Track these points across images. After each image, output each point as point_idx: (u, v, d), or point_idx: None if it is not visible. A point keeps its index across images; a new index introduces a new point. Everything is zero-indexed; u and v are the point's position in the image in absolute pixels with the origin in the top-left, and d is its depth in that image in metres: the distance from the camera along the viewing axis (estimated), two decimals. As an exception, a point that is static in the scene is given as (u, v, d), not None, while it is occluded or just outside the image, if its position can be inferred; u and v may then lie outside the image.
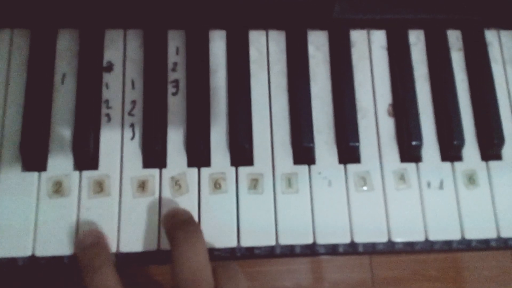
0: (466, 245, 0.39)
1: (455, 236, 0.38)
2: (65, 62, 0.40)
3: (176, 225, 0.34)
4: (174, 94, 0.40)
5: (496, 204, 0.39)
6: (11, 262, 0.36)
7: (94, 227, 0.36)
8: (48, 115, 0.38)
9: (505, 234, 0.38)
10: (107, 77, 0.40)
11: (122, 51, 0.40)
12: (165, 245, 0.36)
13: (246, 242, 0.37)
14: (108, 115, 0.39)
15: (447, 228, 0.38)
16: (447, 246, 0.39)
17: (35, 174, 0.37)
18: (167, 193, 0.37)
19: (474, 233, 0.38)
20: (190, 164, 0.38)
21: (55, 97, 0.39)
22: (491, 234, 0.39)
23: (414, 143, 0.39)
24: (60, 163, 0.37)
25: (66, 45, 0.40)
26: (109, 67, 0.40)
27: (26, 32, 0.40)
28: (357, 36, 0.43)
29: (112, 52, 0.40)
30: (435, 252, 0.39)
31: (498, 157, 0.40)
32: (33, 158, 0.37)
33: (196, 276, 0.31)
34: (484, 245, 0.40)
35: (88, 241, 0.34)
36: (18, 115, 0.38)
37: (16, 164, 0.37)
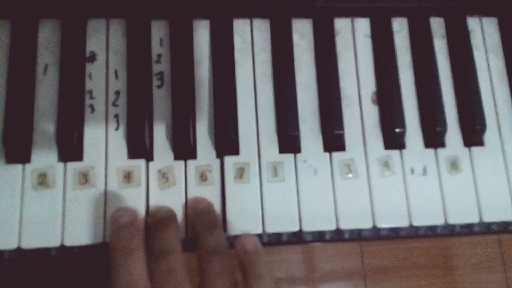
0: (450, 230, 0.40)
1: (438, 221, 0.39)
2: (47, 53, 0.39)
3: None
4: (159, 86, 0.40)
5: (478, 189, 0.40)
6: (-3, 255, 0.36)
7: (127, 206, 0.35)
8: (31, 107, 0.38)
9: (487, 218, 0.39)
10: (90, 68, 0.39)
11: (105, 41, 0.40)
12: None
13: (233, 231, 0.37)
14: (91, 106, 0.39)
15: (431, 213, 0.39)
16: (431, 231, 0.40)
17: (19, 166, 0.37)
18: (154, 186, 0.37)
19: (457, 218, 0.39)
20: (177, 157, 0.38)
21: (37, 88, 0.39)
22: (474, 218, 0.39)
23: (397, 130, 0.39)
24: (44, 155, 0.37)
25: (48, 36, 0.40)
26: (92, 58, 0.40)
27: (6, 22, 0.40)
28: (341, 25, 0.43)
29: (94, 42, 0.40)
30: (420, 237, 0.40)
31: (480, 143, 0.41)
32: (17, 150, 0.37)
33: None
34: (467, 229, 0.40)
35: (124, 220, 0.33)
36: (0, 107, 0.38)
37: (0, 156, 0.37)
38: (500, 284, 1.19)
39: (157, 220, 0.34)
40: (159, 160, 0.38)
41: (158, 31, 0.41)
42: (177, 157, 0.38)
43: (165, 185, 0.38)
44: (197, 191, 0.37)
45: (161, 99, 0.40)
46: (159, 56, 0.41)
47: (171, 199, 0.37)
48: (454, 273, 1.16)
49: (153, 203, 0.37)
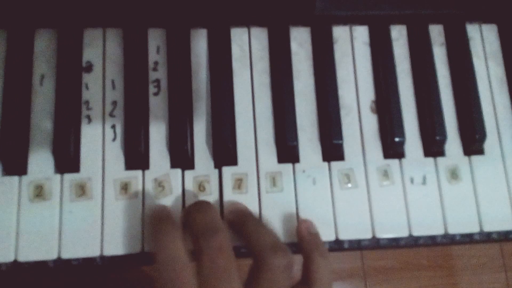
0: (449, 240, 0.40)
1: (438, 231, 0.39)
2: (43, 63, 0.39)
3: (155, 221, 0.34)
4: (155, 94, 0.40)
5: (478, 198, 0.39)
6: (-7, 267, 0.36)
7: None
8: (27, 118, 0.38)
9: (488, 228, 0.39)
10: (86, 78, 0.39)
11: (101, 51, 0.40)
12: (149, 247, 0.36)
13: (232, 241, 0.37)
14: (88, 116, 0.38)
15: (431, 223, 0.39)
16: (432, 241, 0.40)
17: (16, 178, 0.36)
18: (150, 195, 0.37)
19: (457, 228, 0.39)
20: (173, 165, 0.38)
21: (34, 99, 0.38)
22: (474, 228, 0.39)
23: (397, 139, 0.39)
24: (40, 166, 0.37)
25: (44, 46, 0.39)
26: (89, 67, 0.39)
27: (2, 32, 0.39)
28: (340, 33, 0.42)
29: (91, 52, 0.40)
30: (420, 246, 0.40)
31: (480, 151, 0.41)
32: (13, 162, 0.37)
33: (211, 225, 0.32)
34: (467, 239, 0.40)
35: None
36: (-4, 119, 0.37)
37: (-4, 168, 0.36)
38: (500, 285, 1.19)
39: (197, 204, 0.35)
40: (156, 168, 0.38)
41: (155, 39, 0.41)
42: (173, 165, 0.38)
43: (161, 194, 0.37)
44: (194, 200, 0.37)
45: (157, 107, 0.39)
46: (156, 63, 0.40)
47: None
48: (455, 274, 1.16)
49: (149, 211, 0.37)
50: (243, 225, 0.35)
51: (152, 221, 0.34)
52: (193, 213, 0.34)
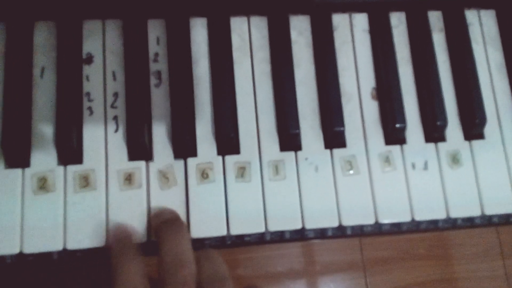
0: (451, 224, 0.40)
1: (440, 215, 0.39)
2: (43, 56, 0.39)
3: (162, 222, 0.34)
4: (156, 85, 0.40)
5: (479, 182, 0.40)
6: (-1, 260, 0.36)
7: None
8: (28, 110, 0.38)
9: (489, 211, 0.39)
10: (87, 70, 0.39)
11: (101, 42, 0.40)
12: (154, 237, 0.36)
13: (235, 230, 0.37)
14: (90, 108, 0.38)
15: (433, 207, 0.39)
16: (433, 225, 0.40)
17: (19, 170, 0.36)
18: (155, 186, 0.37)
19: (459, 212, 0.39)
20: (177, 155, 0.38)
21: (35, 92, 0.38)
22: (475, 212, 0.39)
23: (398, 125, 0.39)
24: (43, 158, 0.37)
25: (43, 38, 0.39)
26: (89, 59, 0.39)
27: (1, 25, 0.39)
28: (339, 20, 0.42)
29: (91, 44, 0.40)
30: (422, 231, 0.40)
31: (480, 136, 0.41)
32: (16, 155, 0.37)
33: (179, 258, 0.32)
34: (469, 222, 0.40)
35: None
36: (-2, 112, 0.37)
37: (-1, 161, 0.36)
38: (498, 273, 1.20)
39: (171, 225, 0.34)
40: (159, 160, 0.38)
41: (155, 29, 0.41)
42: (177, 156, 0.38)
43: (166, 185, 0.37)
44: (198, 190, 0.37)
45: (159, 98, 0.39)
46: (156, 54, 0.40)
47: (173, 199, 0.37)
48: (453, 263, 1.17)
49: (154, 203, 0.37)
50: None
51: (113, 243, 0.34)
52: (164, 235, 0.33)
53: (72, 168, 0.37)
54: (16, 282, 0.44)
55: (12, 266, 0.36)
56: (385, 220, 0.38)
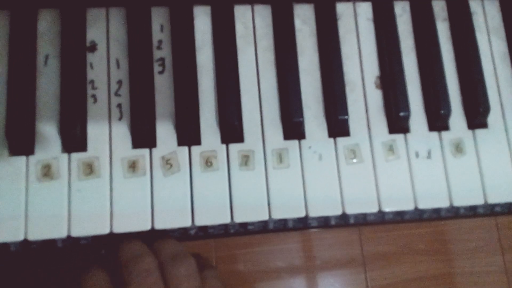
0: (454, 213, 0.40)
1: (443, 203, 0.39)
2: (47, 43, 0.39)
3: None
4: (160, 72, 0.40)
5: (482, 171, 0.40)
6: (3, 247, 0.36)
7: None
8: (33, 98, 0.38)
9: (492, 200, 0.39)
10: (91, 57, 0.39)
11: (105, 30, 0.40)
12: (159, 224, 0.36)
13: (239, 218, 0.37)
14: (94, 96, 0.38)
15: (436, 196, 0.39)
16: (436, 214, 0.40)
17: (23, 158, 0.36)
18: (158, 174, 0.37)
19: (462, 200, 0.39)
20: (180, 143, 0.38)
21: (39, 79, 0.38)
22: (478, 200, 0.39)
23: (402, 114, 0.39)
24: (47, 146, 0.37)
25: (47, 26, 0.39)
26: (93, 47, 0.39)
27: (5, 13, 0.39)
28: (343, 9, 0.42)
29: (95, 32, 0.39)
30: (424, 220, 0.40)
31: (484, 125, 0.41)
32: (20, 142, 0.37)
33: (135, 253, 0.34)
34: (471, 211, 0.41)
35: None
36: (2, 99, 0.37)
37: (3, 148, 0.36)
38: (498, 268, 1.20)
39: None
40: (163, 147, 0.38)
41: (158, 17, 0.41)
42: (180, 143, 0.38)
43: (168, 172, 0.37)
44: (202, 178, 0.37)
45: (162, 85, 0.39)
46: (160, 42, 0.40)
47: (176, 186, 0.37)
48: (453, 258, 1.17)
49: (157, 190, 0.37)
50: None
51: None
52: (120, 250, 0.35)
53: (76, 156, 0.37)
54: (19, 272, 0.44)
55: (16, 255, 0.37)
56: (388, 208, 0.39)
